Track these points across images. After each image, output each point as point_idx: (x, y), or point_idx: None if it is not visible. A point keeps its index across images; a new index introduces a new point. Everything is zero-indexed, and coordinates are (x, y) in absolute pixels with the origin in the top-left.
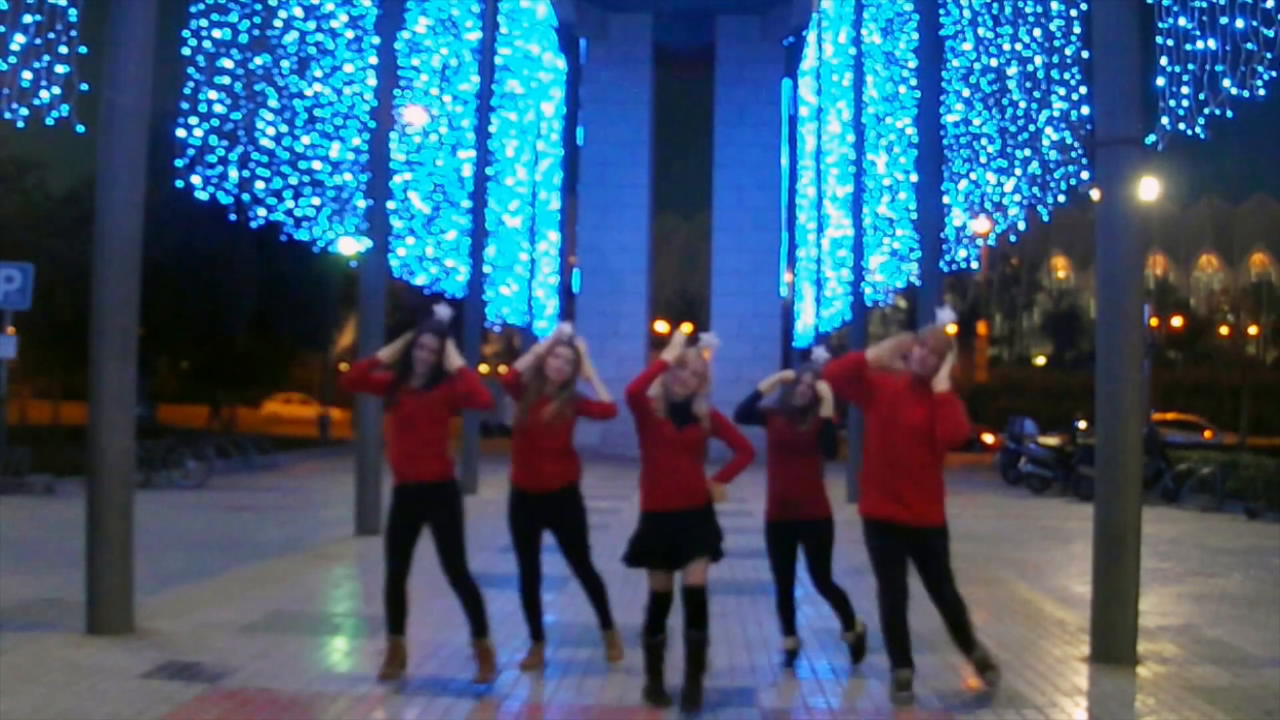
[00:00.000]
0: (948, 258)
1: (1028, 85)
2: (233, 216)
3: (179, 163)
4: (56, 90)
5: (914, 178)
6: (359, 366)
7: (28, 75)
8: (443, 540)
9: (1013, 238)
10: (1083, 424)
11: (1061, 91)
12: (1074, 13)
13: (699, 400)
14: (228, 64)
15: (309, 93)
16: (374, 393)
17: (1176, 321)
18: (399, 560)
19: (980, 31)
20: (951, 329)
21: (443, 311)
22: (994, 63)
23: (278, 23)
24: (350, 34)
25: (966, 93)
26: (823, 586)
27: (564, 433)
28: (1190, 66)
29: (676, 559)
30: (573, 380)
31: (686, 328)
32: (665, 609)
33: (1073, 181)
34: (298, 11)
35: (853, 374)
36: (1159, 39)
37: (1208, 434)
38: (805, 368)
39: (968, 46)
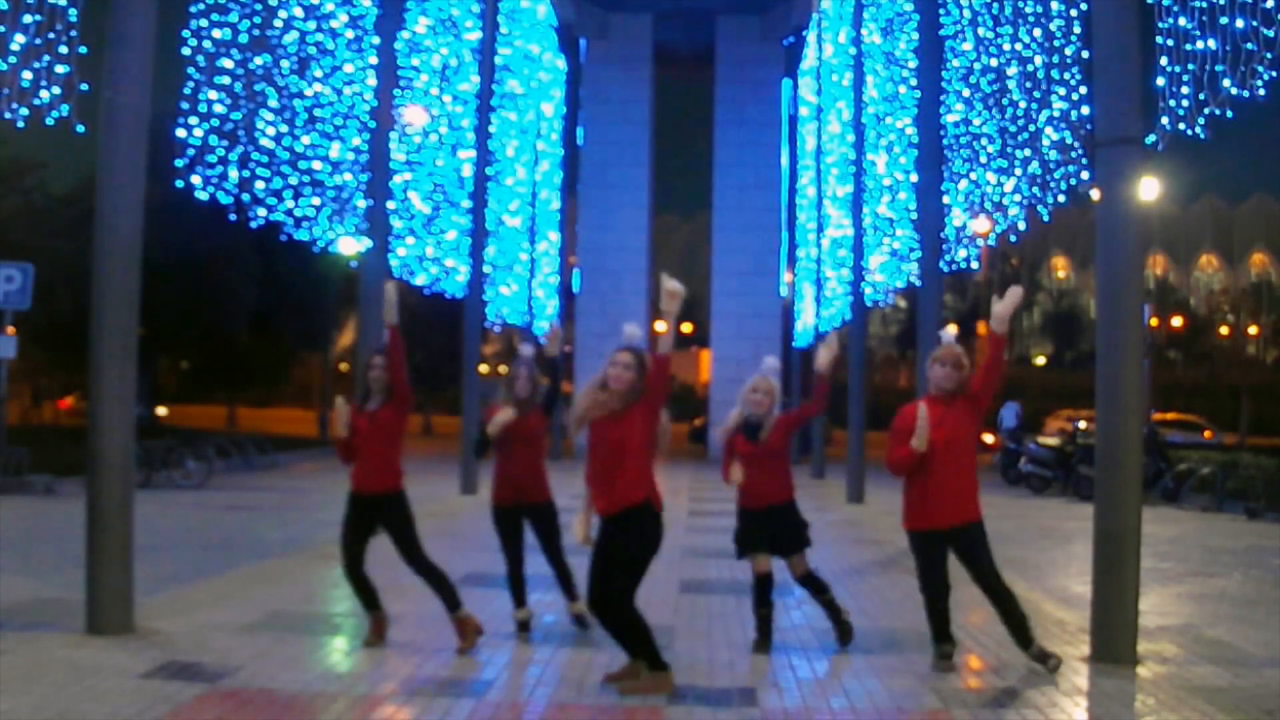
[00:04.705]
0: (948, 258)
1: (1028, 85)
2: (233, 216)
3: (179, 163)
4: (56, 90)
5: (914, 178)
6: (344, 447)
7: (28, 75)
8: (400, 541)
9: (1013, 238)
10: (1083, 424)
11: (1061, 91)
12: (1074, 13)
13: (768, 420)
14: (228, 64)
15: (309, 93)
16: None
17: (1176, 321)
18: (353, 556)
19: (980, 31)
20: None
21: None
22: (994, 63)
23: (278, 23)
24: (350, 34)
25: (966, 93)
26: (554, 560)
27: (634, 440)
28: (1190, 66)
29: (774, 547)
30: (637, 388)
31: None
32: (768, 587)
33: (1073, 181)
34: (298, 11)
35: (919, 461)
36: (1159, 39)
37: (1208, 434)
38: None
39: (968, 46)
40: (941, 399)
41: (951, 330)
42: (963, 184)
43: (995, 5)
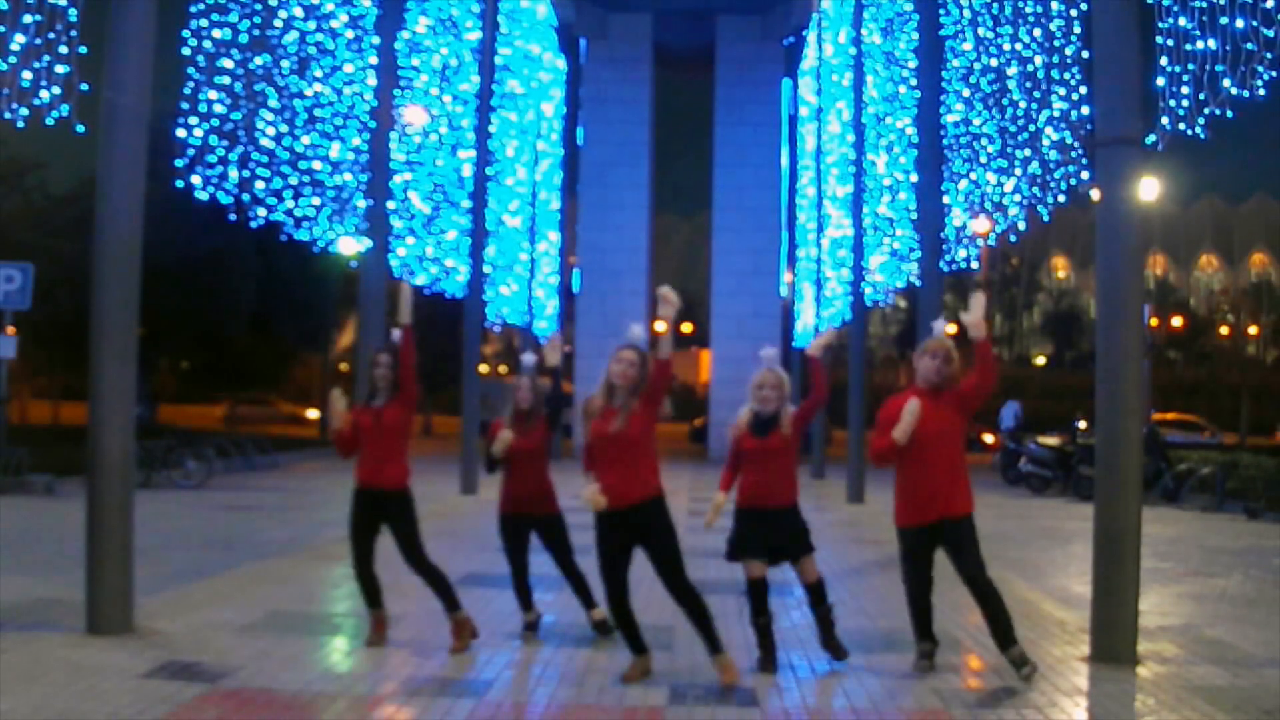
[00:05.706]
0: (948, 258)
1: (1028, 85)
2: (233, 216)
3: (179, 163)
4: (56, 90)
5: (914, 178)
6: (341, 440)
7: (28, 75)
8: (401, 539)
9: (1013, 238)
10: (1083, 424)
11: (1061, 91)
12: (1074, 13)
13: (783, 410)
14: (228, 64)
15: (309, 93)
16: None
17: (1176, 321)
18: (363, 552)
19: (980, 31)
20: (950, 329)
21: (396, 335)
22: (994, 63)
23: (278, 23)
24: (350, 34)
25: (966, 93)
26: (567, 571)
27: (638, 437)
28: (1190, 66)
29: (773, 553)
30: (641, 384)
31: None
32: (764, 593)
33: (1073, 181)
34: (298, 11)
35: (898, 449)
36: (1159, 39)
37: (1206, 433)
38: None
39: (968, 46)
40: (930, 392)
41: (942, 323)
42: (963, 184)
43: (995, 5)
